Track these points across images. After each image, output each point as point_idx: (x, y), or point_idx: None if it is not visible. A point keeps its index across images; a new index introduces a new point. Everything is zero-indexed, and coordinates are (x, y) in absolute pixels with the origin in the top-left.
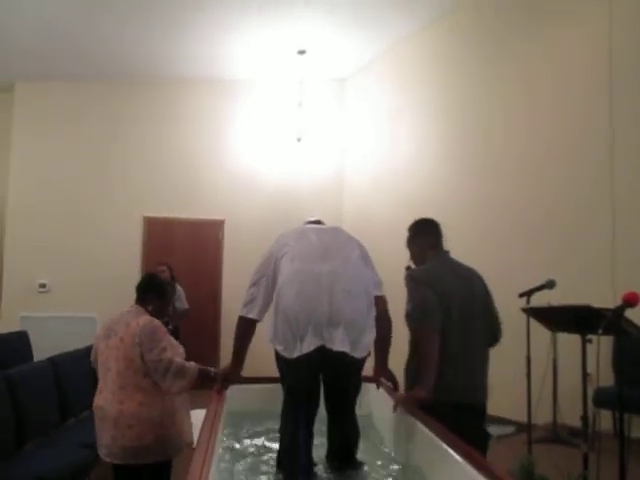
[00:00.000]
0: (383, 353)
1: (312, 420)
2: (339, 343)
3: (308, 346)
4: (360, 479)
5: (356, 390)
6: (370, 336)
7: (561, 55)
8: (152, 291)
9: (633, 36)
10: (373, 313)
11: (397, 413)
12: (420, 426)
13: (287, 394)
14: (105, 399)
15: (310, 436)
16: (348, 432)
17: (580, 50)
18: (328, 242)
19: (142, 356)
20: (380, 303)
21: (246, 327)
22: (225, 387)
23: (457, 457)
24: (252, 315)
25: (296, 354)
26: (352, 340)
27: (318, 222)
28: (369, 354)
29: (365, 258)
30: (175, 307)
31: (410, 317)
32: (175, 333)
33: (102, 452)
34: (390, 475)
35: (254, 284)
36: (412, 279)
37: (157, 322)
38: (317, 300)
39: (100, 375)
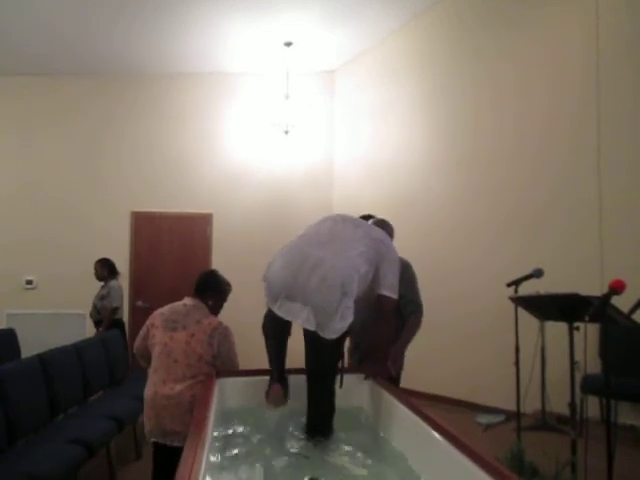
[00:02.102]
0: (377, 350)
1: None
2: (303, 321)
3: (279, 311)
4: (327, 446)
5: (326, 361)
6: (342, 323)
7: (551, 45)
8: (211, 288)
9: (620, 20)
10: (349, 304)
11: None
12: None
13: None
14: (171, 389)
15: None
16: (317, 399)
17: (570, 39)
18: (338, 233)
19: (214, 355)
20: (385, 304)
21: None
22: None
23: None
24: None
25: (274, 308)
26: (318, 322)
27: (369, 217)
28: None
29: (370, 259)
30: (104, 305)
31: (419, 307)
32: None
33: (168, 439)
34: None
35: None
36: (412, 271)
37: (227, 326)
38: (294, 277)
39: (159, 364)
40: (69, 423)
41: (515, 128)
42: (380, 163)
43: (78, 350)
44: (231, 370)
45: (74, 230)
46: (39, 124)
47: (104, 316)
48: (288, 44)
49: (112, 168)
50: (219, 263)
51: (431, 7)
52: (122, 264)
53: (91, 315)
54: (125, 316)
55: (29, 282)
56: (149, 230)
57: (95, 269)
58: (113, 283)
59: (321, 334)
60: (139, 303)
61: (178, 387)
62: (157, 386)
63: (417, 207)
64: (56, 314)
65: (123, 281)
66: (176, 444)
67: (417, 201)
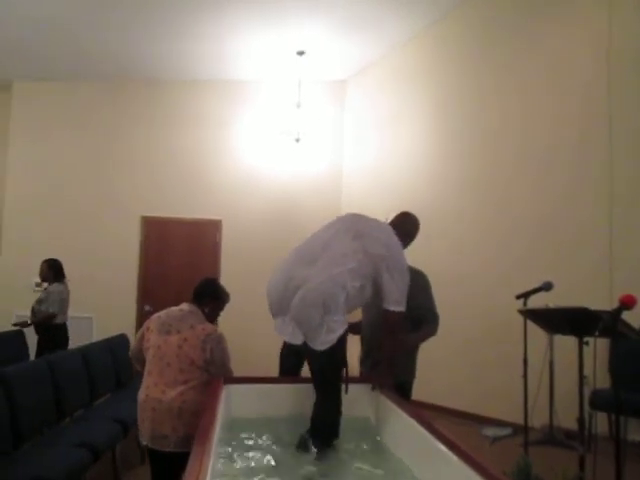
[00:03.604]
0: (380, 362)
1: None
2: (289, 337)
3: (274, 327)
4: (332, 456)
5: (325, 372)
6: (331, 335)
7: (560, 58)
8: (209, 295)
9: (631, 38)
10: (336, 318)
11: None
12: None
13: None
14: (163, 392)
15: None
16: (317, 409)
17: (578, 53)
18: (331, 247)
19: (206, 360)
20: (390, 317)
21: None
22: None
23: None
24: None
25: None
26: (305, 334)
27: (396, 220)
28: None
29: (364, 274)
30: (40, 309)
31: (436, 316)
32: (46, 335)
33: (157, 443)
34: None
35: None
36: (428, 281)
37: (221, 333)
38: (281, 298)
39: (152, 367)
40: (75, 426)
41: (522, 138)
42: (388, 172)
43: (85, 353)
44: (225, 376)
45: (84, 234)
46: (53, 128)
47: (38, 320)
48: (300, 53)
49: (124, 172)
50: (228, 269)
51: (442, 19)
52: (131, 268)
53: (30, 320)
54: (131, 321)
55: (38, 284)
56: (158, 235)
57: (41, 269)
58: (54, 287)
59: (311, 346)
60: (147, 308)
61: (170, 392)
62: (149, 389)
63: (423, 216)
64: None
65: (131, 285)
66: (166, 449)
67: (423, 210)
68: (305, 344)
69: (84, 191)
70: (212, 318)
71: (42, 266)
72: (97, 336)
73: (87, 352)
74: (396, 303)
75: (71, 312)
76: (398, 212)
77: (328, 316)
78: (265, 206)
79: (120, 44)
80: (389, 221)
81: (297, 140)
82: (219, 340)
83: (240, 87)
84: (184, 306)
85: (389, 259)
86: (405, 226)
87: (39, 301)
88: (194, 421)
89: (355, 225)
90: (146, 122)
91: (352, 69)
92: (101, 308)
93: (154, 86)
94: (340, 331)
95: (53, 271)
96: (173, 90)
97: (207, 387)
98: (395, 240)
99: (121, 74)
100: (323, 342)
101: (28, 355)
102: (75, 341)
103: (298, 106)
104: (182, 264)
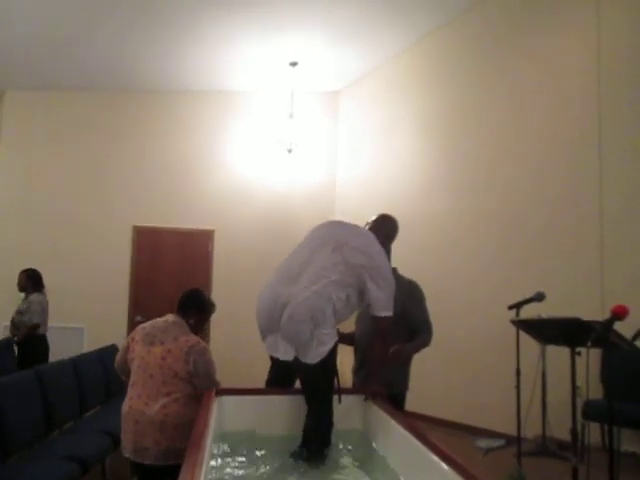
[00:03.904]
0: (370, 368)
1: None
2: (282, 354)
3: (266, 347)
4: (326, 467)
5: (317, 384)
6: (321, 348)
7: (552, 69)
8: (194, 306)
9: (621, 45)
10: (325, 331)
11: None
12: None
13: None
14: (146, 404)
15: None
16: (308, 420)
17: (571, 63)
18: (312, 261)
19: (190, 372)
20: (380, 323)
21: None
22: None
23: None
24: None
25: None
26: (297, 349)
27: (374, 223)
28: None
29: (349, 284)
30: (22, 320)
31: (430, 326)
32: (27, 347)
33: (138, 455)
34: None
35: None
36: (422, 292)
37: (205, 344)
38: (270, 317)
39: (137, 379)
40: (64, 439)
41: (515, 148)
42: (381, 182)
43: (75, 365)
44: (210, 388)
45: (75, 243)
46: (46, 138)
47: (21, 332)
48: (293, 64)
49: (116, 182)
50: (220, 279)
51: (434, 31)
52: (122, 278)
53: (10, 332)
54: (123, 331)
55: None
56: (150, 245)
57: (19, 279)
58: (34, 297)
59: (303, 360)
60: (138, 318)
61: (153, 404)
62: (133, 400)
63: (417, 225)
64: (55, 328)
65: (123, 295)
66: (146, 461)
67: (417, 220)
68: (296, 359)
69: (76, 200)
70: (197, 329)
71: (20, 276)
72: (88, 347)
73: (78, 363)
74: (384, 309)
75: (62, 322)
76: (376, 215)
77: (317, 330)
78: (258, 216)
79: (114, 55)
80: (369, 226)
81: (289, 151)
82: (202, 352)
83: (233, 97)
84: (169, 317)
85: (371, 268)
86: (384, 229)
87: (20, 312)
88: (176, 434)
89: (334, 237)
90: (139, 132)
91: (345, 80)
92: (92, 318)
93: (147, 96)
94: (330, 344)
95: (32, 281)
96: (166, 100)
97: (191, 400)
98: (376, 247)
99: (114, 85)
100: (314, 356)
101: (15, 366)
102: (66, 352)
103: (291, 116)
104: (174, 274)
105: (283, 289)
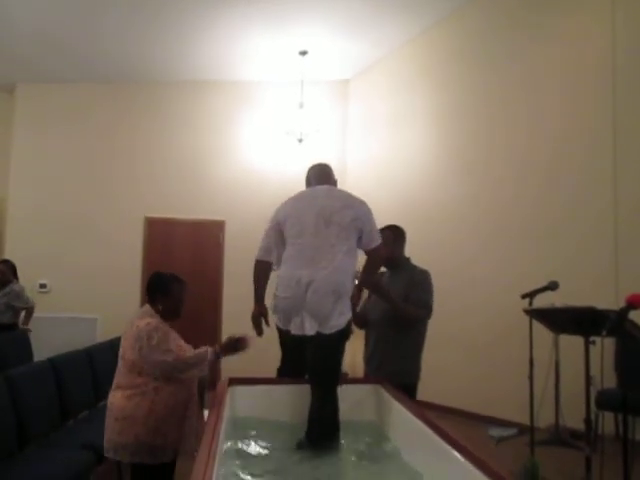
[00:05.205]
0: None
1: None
2: (307, 330)
3: (293, 329)
4: (338, 458)
5: (324, 366)
6: (341, 319)
7: (567, 58)
8: (157, 291)
9: (636, 33)
10: (346, 301)
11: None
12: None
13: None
14: (112, 396)
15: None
16: (313, 405)
17: (585, 52)
18: (319, 240)
19: (142, 359)
20: (375, 253)
21: (262, 268)
22: (260, 328)
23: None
24: (268, 258)
25: (285, 328)
26: (319, 323)
27: (324, 176)
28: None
29: (353, 243)
30: (15, 306)
31: (430, 309)
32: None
33: (104, 450)
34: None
35: (266, 236)
36: (431, 280)
37: (155, 324)
38: (294, 297)
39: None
40: (80, 428)
41: (529, 138)
42: (392, 172)
43: (89, 354)
44: (166, 373)
45: (88, 234)
46: (53, 131)
47: (29, 313)
48: (303, 53)
49: (126, 174)
50: (231, 270)
51: (445, 18)
52: (134, 269)
53: (11, 320)
54: None
55: (43, 286)
56: (162, 236)
57: (2, 272)
58: (18, 286)
59: (321, 331)
60: None
61: (113, 395)
62: (110, 393)
63: (430, 216)
64: (69, 318)
65: (135, 286)
66: (105, 454)
67: (430, 210)
68: (316, 334)
69: (88, 192)
70: (170, 314)
71: (2, 268)
72: (101, 337)
73: (92, 353)
74: (376, 239)
75: (76, 313)
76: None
77: (339, 302)
78: (268, 207)
79: (120, 45)
80: (393, 240)
81: (300, 140)
82: (150, 335)
83: (242, 88)
84: (143, 308)
85: (360, 216)
86: (403, 235)
87: (13, 299)
88: (114, 426)
89: (321, 213)
90: (148, 123)
91: (356, 68)
92: (106, 309)
93: (156, 87)
94: (349, 314)
95: (12, 271)
96: (175, 91)
97: (137, 394)
98: (351, 196)
99: (122, 75)
100: (334, 325)
101: (32, 357)
102: (79, 342)
103: (301, 106)
104: (186, 264)
105: (303, 271)
